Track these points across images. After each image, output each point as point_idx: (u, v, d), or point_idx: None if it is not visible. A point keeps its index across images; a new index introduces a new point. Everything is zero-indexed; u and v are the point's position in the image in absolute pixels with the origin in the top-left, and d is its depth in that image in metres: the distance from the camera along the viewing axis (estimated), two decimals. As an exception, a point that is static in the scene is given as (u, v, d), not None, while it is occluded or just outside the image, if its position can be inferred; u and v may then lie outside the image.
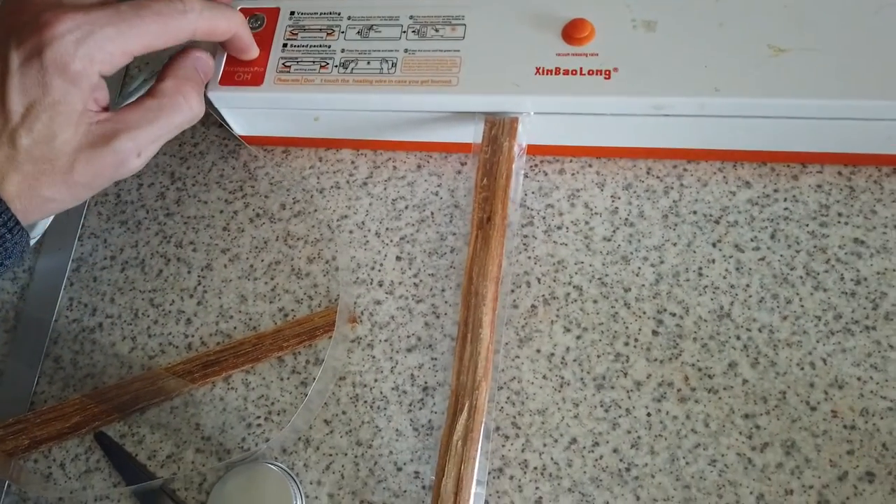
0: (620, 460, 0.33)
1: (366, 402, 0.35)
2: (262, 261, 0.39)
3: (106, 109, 0.31)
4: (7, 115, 0.29)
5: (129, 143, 0.31)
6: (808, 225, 0.36)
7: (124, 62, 0.31)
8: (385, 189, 0.40)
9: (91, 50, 0.29)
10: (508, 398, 0.34)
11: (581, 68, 0.34)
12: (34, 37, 0.29)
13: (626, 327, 0.35)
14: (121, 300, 0.39)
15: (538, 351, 0.35)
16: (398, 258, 0.38)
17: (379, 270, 0.38)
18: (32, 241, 0.37)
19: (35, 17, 0.29)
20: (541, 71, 0.34)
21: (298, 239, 0.39)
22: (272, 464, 0.33)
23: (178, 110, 0.32)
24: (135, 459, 0.35)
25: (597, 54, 0.34)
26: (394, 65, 0.36)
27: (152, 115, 0.31)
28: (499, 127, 0.35)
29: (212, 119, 0.43)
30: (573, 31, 0.35)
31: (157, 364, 0.38)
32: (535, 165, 0.39)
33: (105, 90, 0.31)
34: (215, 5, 0.33)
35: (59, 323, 0.39)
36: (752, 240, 0.36)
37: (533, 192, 0.38)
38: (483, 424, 0.31)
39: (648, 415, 0.33)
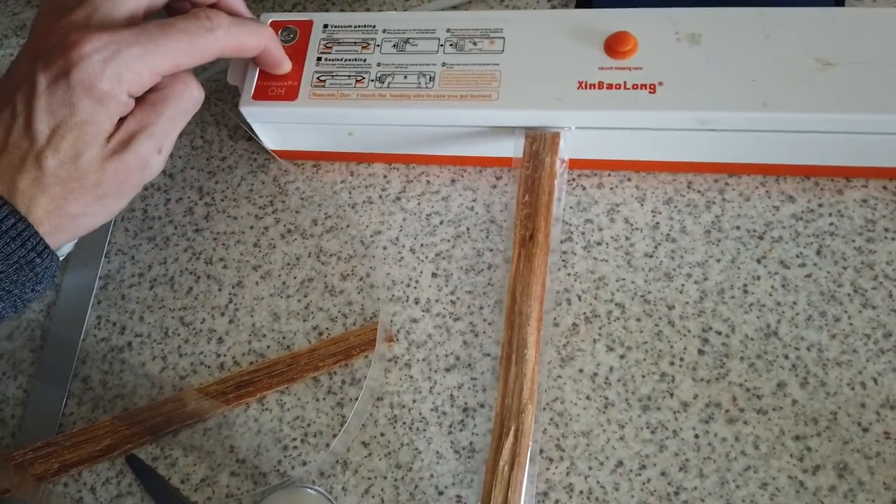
0: (669, 483, 0.32)
1: (405, 423, 0.34)
2: (295, 278, 0.38)
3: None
4: (33, 136, 0.29)
5: (149, 142, 0.31)
6: (854, 241, 0.35)
7: (153, 82, 0.30)
8: (419, 204, 0.39)
9: (118, 69, 0.29)
10: (552, 419, 0.34)
11: (625, 82, 0.33)
12: (61, 58, 0.28)
13: (671, 346, 0.34)
14: (150, 318, 0.39)
15: (581, 371, 0.34)
16: (434, 275, 0.37)
17: (415, 287, 0.37)
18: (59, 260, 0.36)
19: (62, 39, 0.29)
20: (583, 85, 0.34)
21: (331, 255, 0.39)
22: (311, 488, 0.32)
23: (181, 96, 0.32)
24: (168, 483, 0.35)
25: (641, 68, 0.34)
26: (432, 79, 0.35)
27: (160, 108, 0.31)
28: (540, 142, 0.34)
29: (240, 133, 0.43)
30: (616, 45, 0.34)
31: (189, 384, 0.37)
32: (573, 179, 0.38)
33: (130, 108, 0.30)
34: (243, 21, 0.33)
35: (86, 342, 0.39)
36: (797, 256, 0.35)
37: (571, 207, 0.38)
38: (529, 449, 0.31)
39: (696, 437, 0.32)
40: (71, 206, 0.30)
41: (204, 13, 0.31)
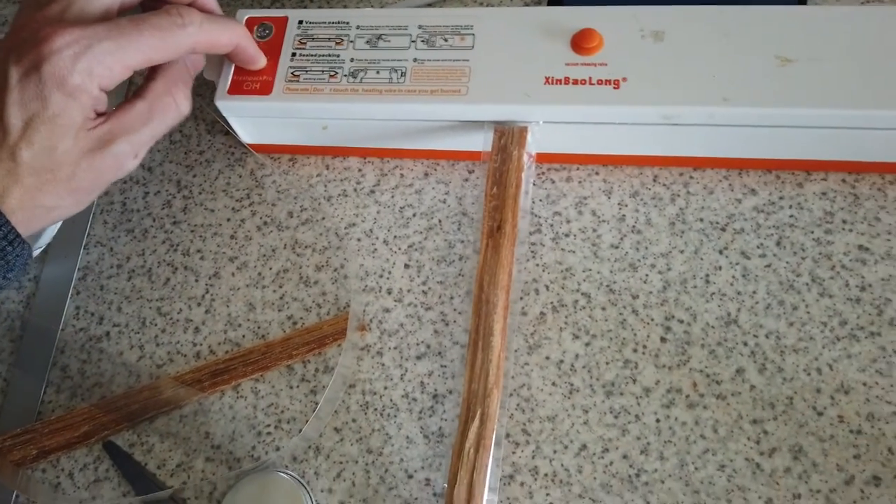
0: (630, 466, 0.33)
1: (376, 409, 0.35)
2: (271, 269, 0.39)
3: (102, 115, 0.32)
4: (6, 129, 0.29)
5: (127, 147, 0.31)
6: (813, 232, 0.36)
7: (125, 76, 0.31)
8: (393, 197, 0.40)
9: (89, 64, 0.29)
10: (518, 405, 0.34)
11: (590, 78, 0.34)
12: (33, 52, 0.29)
13: (635, 334, 0.35)
14: (128, 309, 0.39)
15: (547, 358, 0.35)
16: (406, 266, 0.38)
17: (387, 278, 0.38)
18: (38, 251, 0.37)
19: (34, 33, 0.29)
20: (550, 80, 0.35)
21: (306, 247, 0.39)
22: (284, 472, 0.33)
23: (168, 112, 0.33)
24: (144, 469, 0.35)
25: (606, 64, 0.35)
26: (403, 74, 0.36)
27: (145, 118, 0.32)
28: (508, 136, 0.35)
29: (218, 127, 0.43)
30: (582, 41, 0.35)
31: (166, 373, 0.37)
32: (543, 173, 0.39)
33: (105, 101, 0.31)
34: (216, 18, 0.33)
35: (65, 332, 0.39)
36: (758, 247, 0.36)
37: (540, 200, 0.39)
38: (494, 432, 0.32)
39: (657, 421, 0.33)
40: (44, 197, 0.30)
41: (176, 10, 0.31)
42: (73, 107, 0.29)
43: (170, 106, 0.32)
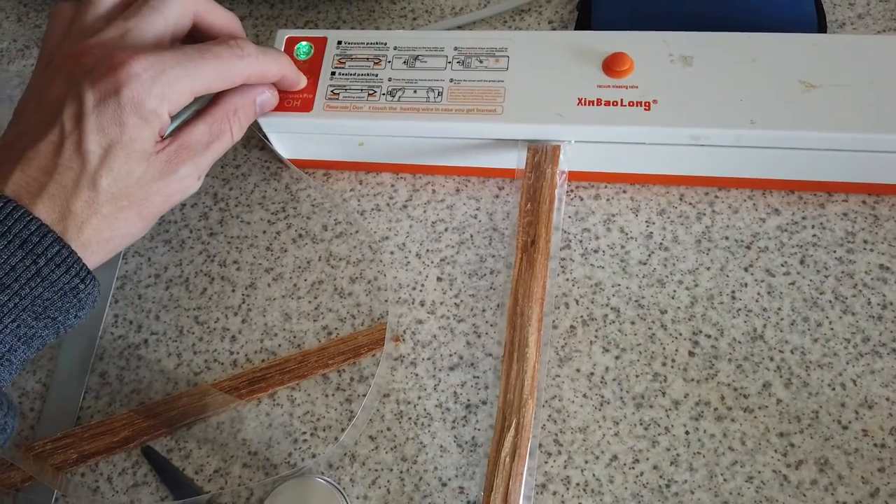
0: (660, 477, 0.34)
1: (410, 418, 0.36)
2: (306, 280, 0.40)
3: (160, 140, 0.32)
4: (85, 156, 0.29)
5: (193, 169, 0.33)
6: (835, 251, 0.37)
7: (187, 102, 0.32)
8: (425, 212, 0.41)
9: (163, 89, 0.30)
10: (550, 416, 0.35)
11: (621, 100, 0.36)
12: (109, 76, 0.29)
13: (664, 348, 0.36)
14: (166, 317, 0.40)
15: (578, 370, 0.36)
16: (439, 279, 0.39)
17: (420, 290, 0.39)
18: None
19: (107, 58, 0.30)
20: (583, 102, 0.36)
21: (341, 259, 0.41)
22: (320, 478, 0.34)
23: (224, 137, 0.34)
24: (182, 474, 0.36)
25: (636, 86, 0.36)
26: (440, 94, 0.37)
27: (206, 141, 0.33)
28: (542, 154, 0.37)
29: (253, 142, 0.45)
30: (613, 65, 0.36)
31: (203, 380, 0.38)
32: (572, 191, 0.40)
33: (168, 126, 0.32)
34: (266, 50, 0.35)
35: (104, 339, 0.40)
36: (782, 265, 0.37)
37: (570, 217, 0.40)
38: (529, 441, 0.32)
39: (687, 433, 0.34)
40: (118, 225, 0.31)
41: (234, 41, 0.33)
42: (147, 131, 0.30)
43: (226, 132, 0.34)
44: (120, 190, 0.30)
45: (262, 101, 0.36)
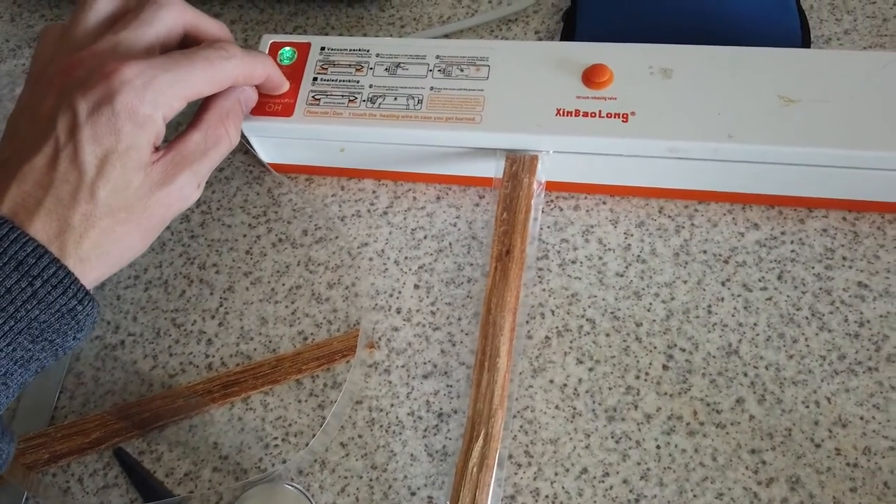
0: (630, 491, 0.33)
1: (381, 426, 0.36)
2: (284, 285, 0.40)
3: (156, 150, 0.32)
4: (82, 168, 0.28)
5: (192, 177, 0.32)
6: (813, 267, 0.37)
7: (181, 107, 0.31)
8: (405, 219, 0.41)
9: (156, 95, 0.30)
10: (521, 427, 0.35)
11: (600, 111, 0.36)
12: (102, 84, 0.29)
13: (638, 361, 0.36)
14: (143, 319, 0.40)
15: (551, 381, 0.36)
16: (416, 286, 0.39)
17: (397, 298, 0.39)
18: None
19: (98, 67, 0.29)
20: (561, 112, 0.36)
21: (319, 265, 0.41)
22: (289, 484, 0.34)
23: (221, 142, 0.33)
24: (153, 476, 0.36)
25: (615, 98, 0.36)
26: (420, 101, 0.37)
27: (202, 148, 0.32)
28: (519, 164, 0.36)
29: (237, 146, 0.45)
30: (593, 76, 0.36)
31: (178, 383, 0.38)
32: (551, 201, 0.40)
33: (163, 135, 0.31)
34: (251, 52, 0.35)
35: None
36: (759, 280, 0.37)
37: (548, 227, 0.40)
38: (498, 452, 0.32)
39: (658, 447, 0.34)
40: (118, 238, 0.30)
41: (219, 43, 0.33)
42: (143, 138, 0.30)
43: (223, 137, 0.33)
44: (118, 201, 0.29)
45: (246, 99, 0.36)
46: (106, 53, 0.30)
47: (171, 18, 0.32)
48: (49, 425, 0.38)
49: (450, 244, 0.40)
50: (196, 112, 0.34)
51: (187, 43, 0.35)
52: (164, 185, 0.31)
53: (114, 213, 0.29)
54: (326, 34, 0.48)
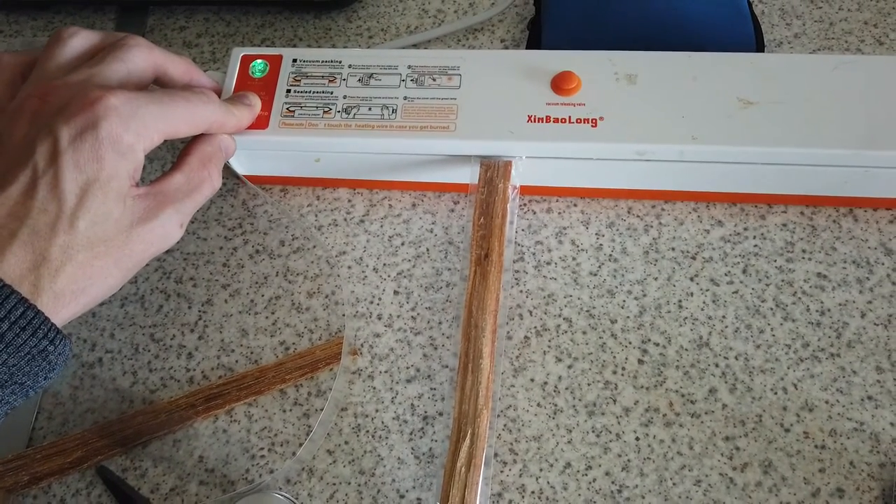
0: (612, 482, 0.34)
1: (368, 431, 0.37)
2: (263, 296, 0.40)
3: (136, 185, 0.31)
4: (61, 197, 0.27)
5: (175, 215, 0.32)
6: (775, 260, 0.39)
7: (159, 142, 0.31)
8: (382, 226, 0.42)
9: (138, 125, 0.29)
10: (505, 426, 0.36)
11: (570, 117, 0.37)
12: (86, 110, 0.28)
13: (614, 357, 0.37)
14: (121, 335, 0.40)
15: (532, 380, 0.37)
16: (396, 292, 0.40)
17: (378, 304, 0.40)
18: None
19: (79, 94, 0.29)
20: (533, 119, 0.37)
21: (298, 274, 0.41)
22: (278, 494, 0.34)
23: (204, 185, 0.33)
24: (138, 493, 0.36)
25: (584, 104, 0.37)
26: (394, 111, 0.38)
27: (185, 190, 0.32)
28: (494, 170, 0.37)
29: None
30: (562, 83, 0.37)
31: (159, 398, 0.38)
32: (525, 204, 0.41)
33: (140, 170, 0.31)
34: (231, 103, 0.36)
35: (57, 358, 0.40)
36: (725, 274, 0.39)
37: (523, 230, 0.41)
38: (484, 451, 0.33)
39: (637, 439, 0.35)
40: (93, 273, 0.29)
41: (199, 88, 0.33)
42: (124, 168, 0.29)
43: (205, 179, 0.33)
44: (97, 234, 0.28)
45: (226, 146, 0.36)
46: (81, 84, 0.30)
47: (142, 58, 0.33)
48: (27, 447, 0.37)
49: (427, 250, 0.41)
50: (178, 156, 0.34)
51: (157, 83, 0.35)
52: (146, 220, 0.30)
53: (92, 246, 0.28)
54: (294, 45, 0.49)
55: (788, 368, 0.36)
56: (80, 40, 0.32)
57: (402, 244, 0.41)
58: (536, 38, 0.44)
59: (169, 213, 0.31)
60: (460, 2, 0.49)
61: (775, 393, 0.36)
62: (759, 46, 0.42)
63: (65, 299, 0.28)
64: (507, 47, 0.47)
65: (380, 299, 0.40)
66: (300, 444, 0.36)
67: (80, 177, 0.28)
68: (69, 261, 0.28)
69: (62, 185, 0.27)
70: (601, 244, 0.40)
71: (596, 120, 0.37)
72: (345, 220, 0.42)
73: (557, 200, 0.41)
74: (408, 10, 0.49)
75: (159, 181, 0.32)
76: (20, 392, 0.28)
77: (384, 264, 0.41)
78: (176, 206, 0.32)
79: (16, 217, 0.27)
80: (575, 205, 0.41)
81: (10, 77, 0.32)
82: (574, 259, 0.40)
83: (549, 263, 0.40)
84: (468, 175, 0.39)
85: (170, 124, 0.31)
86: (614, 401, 0.36)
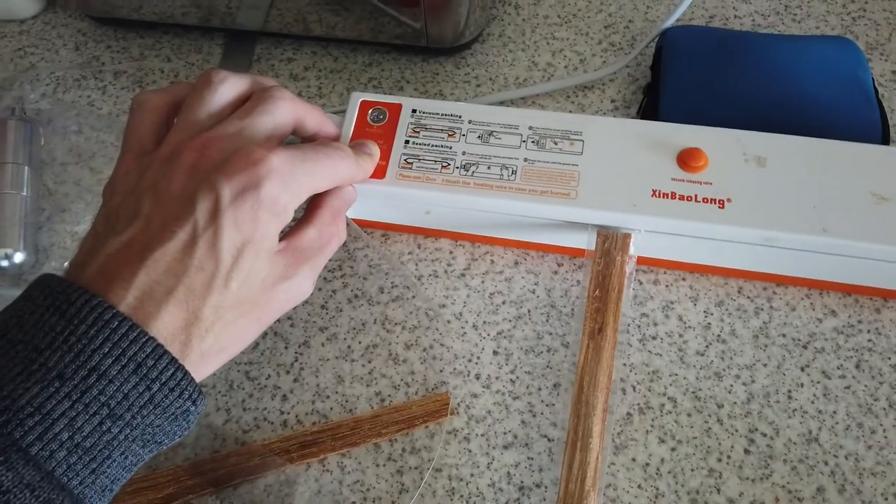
0: (714, 577, 0.34)
1: (462, 496, 0.36)
2: (360, 343, 0.40)
3: None
4: (219, 256, 0.27)
5: (311, 272, 0.31)
6: (890, 358, 0.38)
7: (305, 199, 0.31)
8: (483, 282, 0.41)
9: (294, 186, 0.29)
10: (605, 505, 0.35)
11: (696, 195, 0.36)
12: (249, 170, 0.28)
13: (720, 443, 0.36)
14: (216, 370, 0.40)
15: (633, 459, 0.36)
16: (495, 352, 0.39)
17: (476, 363, 0.39)
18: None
19: (240, 151, 0.29)
20: (657, 193, 0.36)
21: (396, 324, 0.40)
22: (372, 554, 0.33)
23: (334, 239, 0.33)
24: (227, 537, 0.36)
25: (711, 183, 0.36)
26: (514, 172, 0.38)
27: (317, 245, 0.32)
28: (612, 241, 0.37)
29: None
30: (688, 159, 0.37)
31: (251, 438, 0.38)
32: (631, 274, 0.41)
33: (289, 224, 0.31)
34: (360, 154, 0.36)
35: (151, 387, 0.39)
36: (838, 367, 0.38)
37: (629, 301, 0.40)
38: (589, 533, 0.32)
39: (741, 533, 0.34)
40: (237, 332, 0.29)
41: (336, 143, 0.34)
42: (276, 228, 0.29)
43: (335, 234, 0.33)
44: (245, 294, 0.28)
45: (351, 199, 0.36)
46: (232, 136, 0.30)
47: (288, 110, 0.32)
48: (119, 477, 0.37)
49: (528, 311, 0.40)
50: (307, 209, 0.34)
51: (294, 134, 0.35)
52: (287, 278, 0.30)
53: (240, 305, 0.28)
54: (402, 87, 0.49)
55: (901, 474, 0.35)
56: (229, 88, 0.32)
57: (504, 303, 0.41)
58: (652, 105, 0.43)
59: (305, 269, 0.31)
60: (570, 57, 0.49)
61: (886, 499, 0.35)
62: (886, 136, 0.41)
63: (209, 358, 0.28)
64: (617, 108, 0.47)
65: (479, 358, 0.39)
66: (392, 502, 0.36)
67: (238, 236, 0.28)
68: (218, 320, 0.28)
69: (221, 244, 0.27)
70: (709, 323, 0.39)
71: (724, 201, 0.36)
72: (445, 272, 0.42)
73: (665, 273, 0.41)
74: (517, 62, 0.49)
75: (294, 236, 0.32)
76: (156, 449, 0.27)
77: (484, 322, 0.40)
78: (311, 262, 0.31)
79: (173, 274, 0.27)
80: (683, 279, 0.41)
81: (156, 119, 0.32)
82: (681, 336, 0.39)
83: (654, 338, 0.39)
84: (579, 240, 0.38)
85: (317, 182, 0.32)
86: (718, 490, 0.35)
